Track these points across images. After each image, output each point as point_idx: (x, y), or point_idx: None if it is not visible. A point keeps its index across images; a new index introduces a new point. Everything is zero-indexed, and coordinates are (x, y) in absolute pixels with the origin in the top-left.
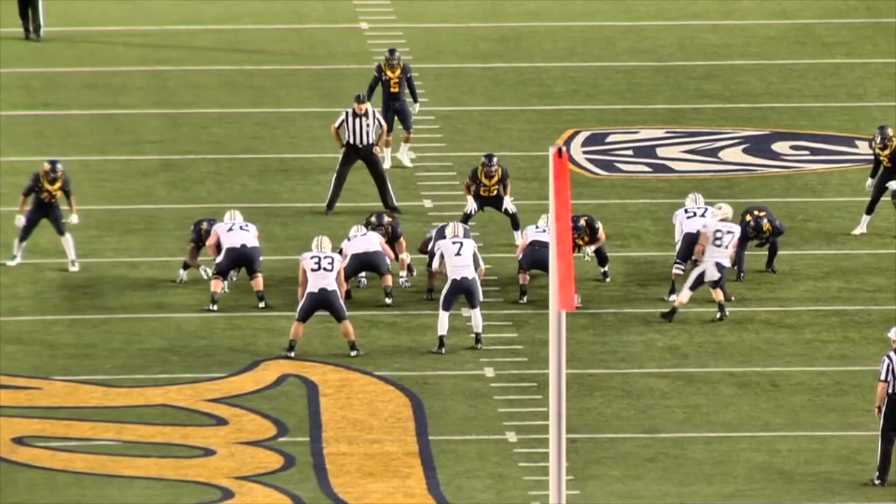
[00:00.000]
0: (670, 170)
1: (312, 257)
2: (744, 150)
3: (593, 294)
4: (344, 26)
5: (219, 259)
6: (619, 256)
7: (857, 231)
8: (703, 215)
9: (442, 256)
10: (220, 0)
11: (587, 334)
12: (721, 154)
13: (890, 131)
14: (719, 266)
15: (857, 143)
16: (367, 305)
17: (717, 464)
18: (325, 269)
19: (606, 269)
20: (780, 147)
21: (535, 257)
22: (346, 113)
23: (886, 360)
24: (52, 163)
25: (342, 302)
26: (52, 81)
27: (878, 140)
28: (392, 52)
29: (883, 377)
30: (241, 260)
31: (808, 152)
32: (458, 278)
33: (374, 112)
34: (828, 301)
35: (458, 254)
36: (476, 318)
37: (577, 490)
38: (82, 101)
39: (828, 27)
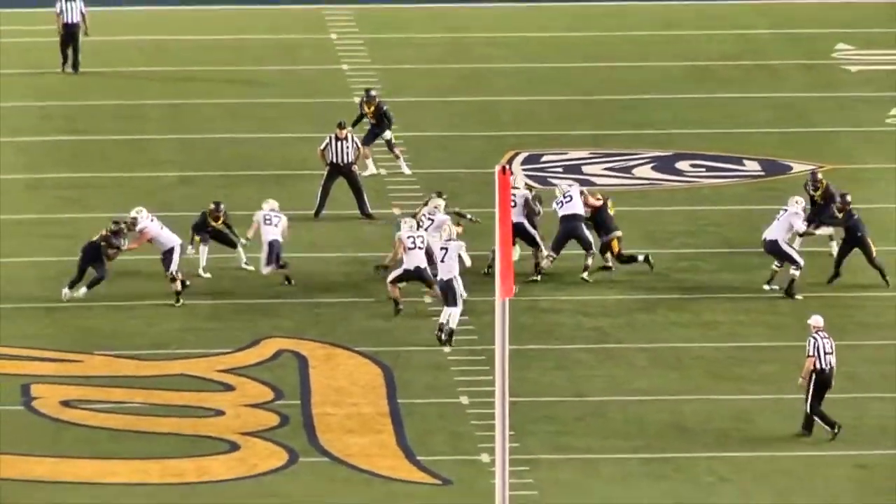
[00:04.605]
0: (593, 184)
1: (409, 237)
2: (652, 168)
3: (532, 286)
4: (329, 67)
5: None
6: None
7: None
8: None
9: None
10: (229, 45)
11: (527, 317)
12: (634, 171)
13: (819, 175)
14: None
15: (745, 161)
16: (349, 292)
17: (632, 423)
18: (419, 247)
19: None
20: (682, 165)
21: (569, 229)
22: (330, 137)
23: (812, 340)
24: (217, 204)
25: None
26: (87, 111)
27: (811, 184)
28: (367, 91)
29: (811, 353)
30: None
31: (704, 169)
32: (444, 279)
33: (353, 136)
34: (719, 290)
35: (442, 261)
36: (453, 314)
37: (517, 443)
38: (111, 128)
39: (725, 67)
